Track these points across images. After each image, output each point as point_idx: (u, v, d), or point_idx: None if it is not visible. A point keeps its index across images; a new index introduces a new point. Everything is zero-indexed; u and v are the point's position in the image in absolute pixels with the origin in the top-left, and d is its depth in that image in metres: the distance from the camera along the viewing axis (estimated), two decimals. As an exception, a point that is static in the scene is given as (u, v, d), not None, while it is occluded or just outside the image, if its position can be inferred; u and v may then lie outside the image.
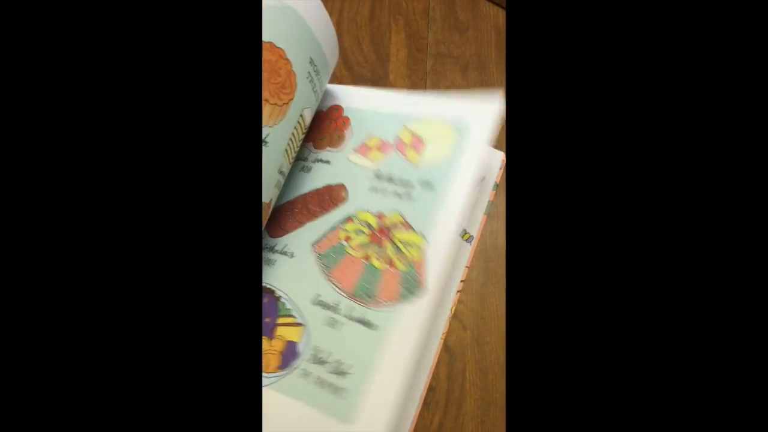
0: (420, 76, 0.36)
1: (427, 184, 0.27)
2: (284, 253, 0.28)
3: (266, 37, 0.23)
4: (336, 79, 0.36)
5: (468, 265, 0.29)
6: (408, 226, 0.27)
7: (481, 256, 0.31)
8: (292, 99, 0.25)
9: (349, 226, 0.27)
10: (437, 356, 0.27)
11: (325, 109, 0.32)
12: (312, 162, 0.31)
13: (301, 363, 0.25)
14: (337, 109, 0.32)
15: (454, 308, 0.28)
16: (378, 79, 0.36)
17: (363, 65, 0.36)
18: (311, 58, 0.26)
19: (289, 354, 0.25)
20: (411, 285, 0.25)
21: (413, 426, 0.26)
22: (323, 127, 0.31)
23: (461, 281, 0.29)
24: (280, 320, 0.26)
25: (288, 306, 0.27)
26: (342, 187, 0.28)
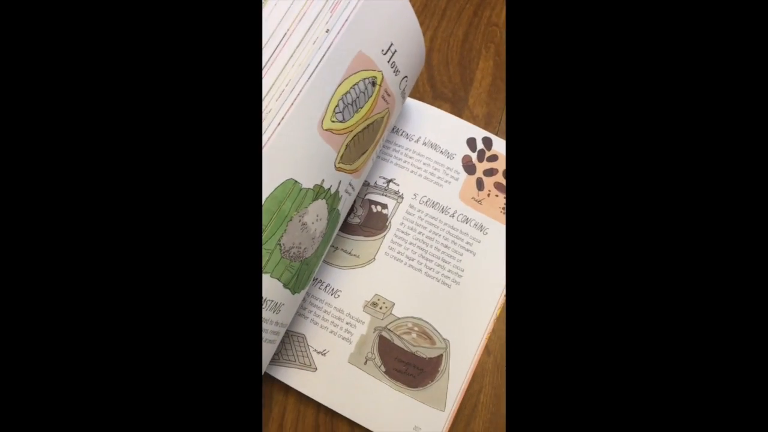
0: (498, 106, 0.37)
1: None
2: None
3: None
4: (418, 93, 0.38)
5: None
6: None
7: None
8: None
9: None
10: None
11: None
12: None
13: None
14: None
15: (487, 339, 0.32)
16: (458, 101, 0.38)
17: (446, 85, 0.38)
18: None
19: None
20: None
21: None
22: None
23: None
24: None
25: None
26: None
